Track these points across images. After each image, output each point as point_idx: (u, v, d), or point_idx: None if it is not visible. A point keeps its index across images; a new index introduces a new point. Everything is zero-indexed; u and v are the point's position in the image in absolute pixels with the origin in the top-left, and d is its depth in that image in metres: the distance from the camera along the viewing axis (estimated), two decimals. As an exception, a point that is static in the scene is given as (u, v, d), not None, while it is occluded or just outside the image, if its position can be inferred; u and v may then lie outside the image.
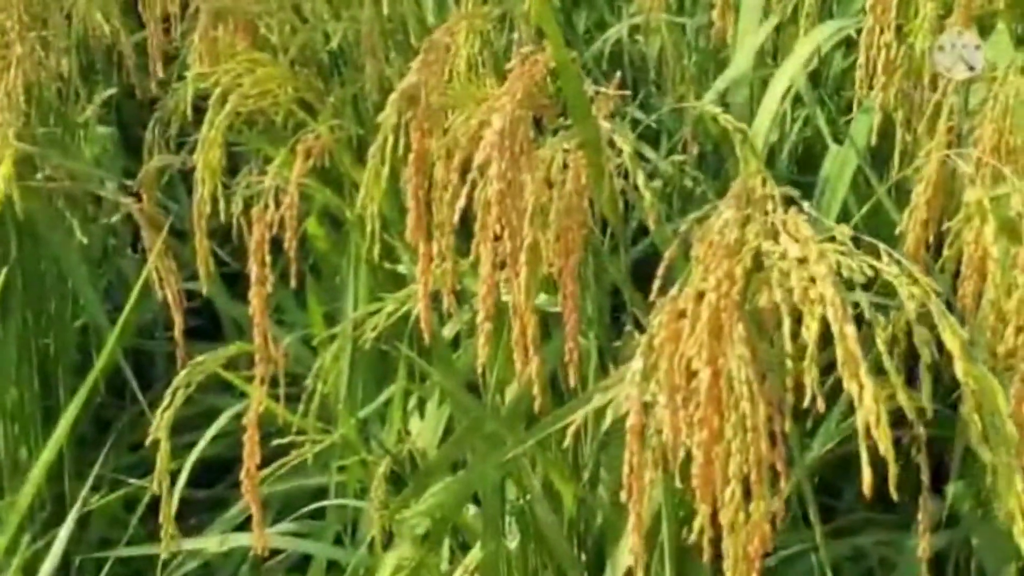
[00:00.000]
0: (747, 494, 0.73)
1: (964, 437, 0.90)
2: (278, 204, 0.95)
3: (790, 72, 1.28)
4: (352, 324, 1.06)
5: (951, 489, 1.09)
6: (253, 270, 0.90)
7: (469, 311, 1.09)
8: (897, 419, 0.71)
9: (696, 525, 0.74)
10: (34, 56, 1.18)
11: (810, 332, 0.63)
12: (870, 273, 0.65)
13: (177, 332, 1.31)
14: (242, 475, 1.00)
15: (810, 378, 0.63)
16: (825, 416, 1.10)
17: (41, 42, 1.26)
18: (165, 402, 0.93)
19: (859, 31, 1.17)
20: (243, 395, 1.14)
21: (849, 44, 1.44)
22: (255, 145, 1.30)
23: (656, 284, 0.75)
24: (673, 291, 0.71)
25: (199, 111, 1.60)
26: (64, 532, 1.20)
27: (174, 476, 1.12)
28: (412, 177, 0.83)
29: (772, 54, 1.49)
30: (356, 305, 1.22)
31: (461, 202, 0.80)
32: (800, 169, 1.46)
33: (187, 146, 1.43)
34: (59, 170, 1.26)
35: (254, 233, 0.91)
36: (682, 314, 0.72)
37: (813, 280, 0.62)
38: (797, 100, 1.42)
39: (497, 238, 0.82)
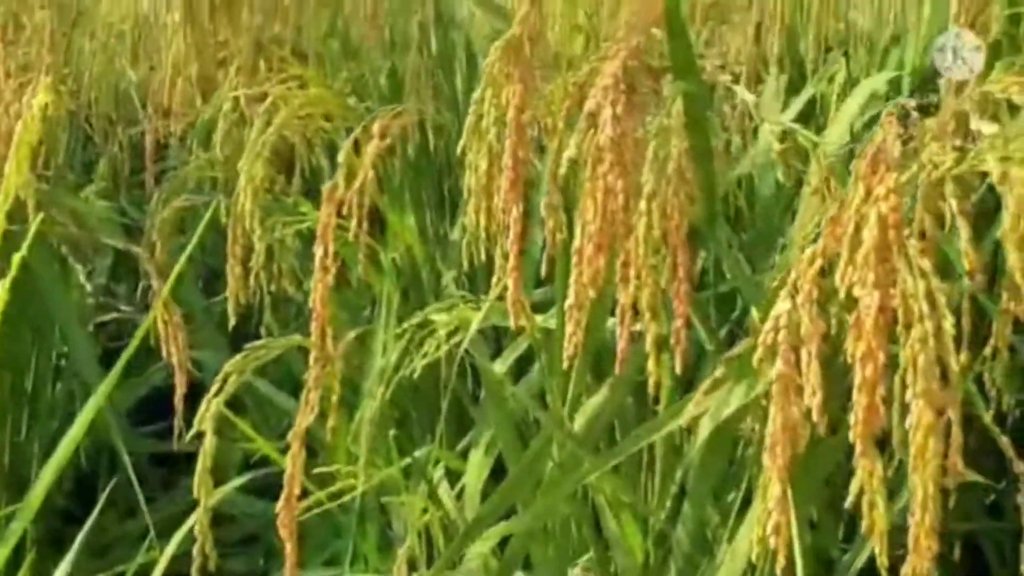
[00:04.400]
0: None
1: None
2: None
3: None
4: (387, 350, 0.97)
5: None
6: (318, 254, 0.82)
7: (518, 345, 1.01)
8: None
9: (854, 485, 0.65)
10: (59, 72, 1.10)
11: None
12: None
13: (178, 398, 1.20)
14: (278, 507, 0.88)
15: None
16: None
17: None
18: (214, 389, 0.82)
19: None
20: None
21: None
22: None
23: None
24: (830, 211, 0.65)
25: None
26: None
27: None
28: (512, 134, 0.77)
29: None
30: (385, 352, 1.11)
31: (571, 152, 0.74)
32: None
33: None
34: (64, 213, 1.17)
35: (322, 215, 0.83)
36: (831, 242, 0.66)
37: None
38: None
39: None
